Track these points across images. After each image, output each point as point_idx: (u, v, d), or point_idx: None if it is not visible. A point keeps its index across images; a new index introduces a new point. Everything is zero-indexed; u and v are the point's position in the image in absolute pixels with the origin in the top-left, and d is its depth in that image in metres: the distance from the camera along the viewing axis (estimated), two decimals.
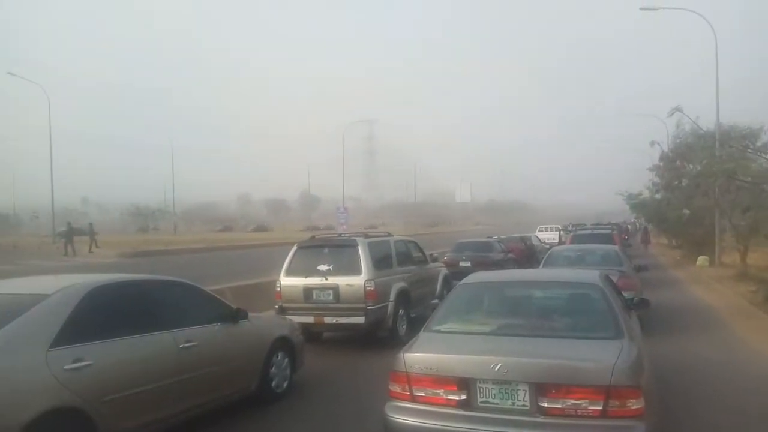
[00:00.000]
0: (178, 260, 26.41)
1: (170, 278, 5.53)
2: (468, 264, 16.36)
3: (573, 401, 3.44)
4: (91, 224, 35.26)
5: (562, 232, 36.76)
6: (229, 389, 5.46)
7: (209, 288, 6.55)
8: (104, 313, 4.35)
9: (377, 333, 8.68)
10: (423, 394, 3.81)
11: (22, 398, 3.54)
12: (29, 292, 4.23)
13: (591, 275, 5.07)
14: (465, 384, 3.68)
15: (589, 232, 19.73)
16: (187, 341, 4.87)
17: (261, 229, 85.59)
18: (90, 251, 31.26)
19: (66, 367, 3.80)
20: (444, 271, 11.85)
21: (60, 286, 4.28)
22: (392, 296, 8.79)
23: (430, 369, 3.79)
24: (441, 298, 10.97)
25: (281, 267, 8.97)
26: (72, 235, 31.35)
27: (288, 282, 8.74)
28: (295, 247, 9.11)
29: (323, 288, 8.48)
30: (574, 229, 25.97)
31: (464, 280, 5.17)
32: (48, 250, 33.89)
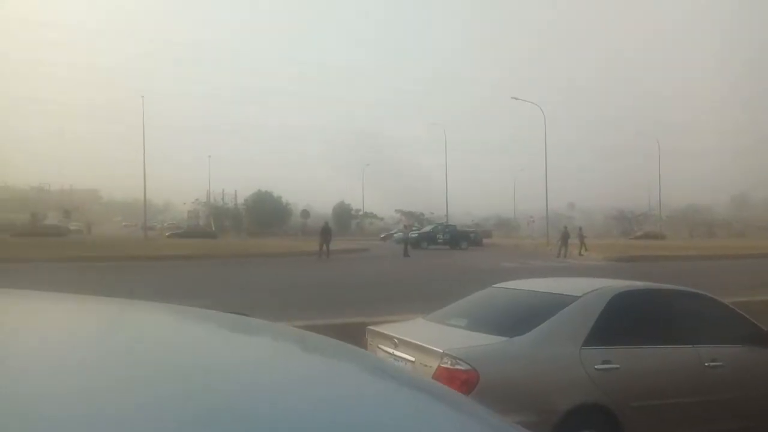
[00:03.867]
0: (665, 267, 25.15)
1: (690, 289, 5.26)
2: None
3: None
4: (580, 228, 37.82)
5: None
6: (757, 422, 4.76)
7: None
8: (627, 319, 4.48)
9: None
10: None
11: (563, 388, 3.96)
12: (561, 292, 4.71)
13: None
14: None
15: None
16: (713, 360, 4.51)
17: (655, 236, 62.90)
18: (580, 254, 33.34)
19: (596, 366, 4.04)
20: None
21: (587, 289, 4.62)
22: None
23: None
24: None
25: None
26: (566, 239, 34.36)
27: None
28: None
29: None
30: None
31: None
32: (543, 252, 37.97)
